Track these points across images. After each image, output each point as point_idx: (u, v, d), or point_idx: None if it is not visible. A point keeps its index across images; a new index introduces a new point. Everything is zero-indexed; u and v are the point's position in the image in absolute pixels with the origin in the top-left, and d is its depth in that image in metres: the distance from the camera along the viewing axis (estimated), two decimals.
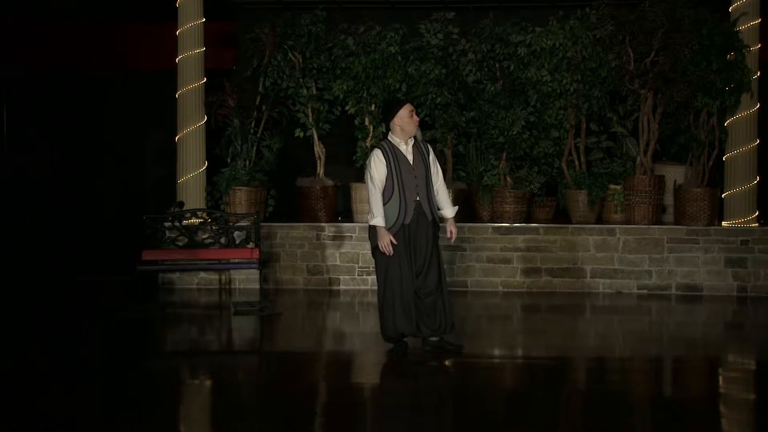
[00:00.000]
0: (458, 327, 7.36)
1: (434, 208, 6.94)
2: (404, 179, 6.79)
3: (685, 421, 5.51)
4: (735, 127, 10.23)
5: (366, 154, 10.61)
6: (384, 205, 6.78)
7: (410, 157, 6.85)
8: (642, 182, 10.21)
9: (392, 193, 6.78)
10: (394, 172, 6.79)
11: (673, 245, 10.02)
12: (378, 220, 6.77)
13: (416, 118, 6.93)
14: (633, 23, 10.07)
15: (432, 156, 7.01)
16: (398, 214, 6.77)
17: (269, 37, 10.64)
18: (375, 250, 6.90)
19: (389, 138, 6.95)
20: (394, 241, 6.74)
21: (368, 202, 6.87)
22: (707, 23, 9.96)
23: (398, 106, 6.98)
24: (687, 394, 6.31)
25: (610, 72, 10.42)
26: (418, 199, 6.81)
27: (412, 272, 6.82)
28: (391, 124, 6.92)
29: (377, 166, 6.81)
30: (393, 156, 6.82)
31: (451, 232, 7.01)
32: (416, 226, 6.82)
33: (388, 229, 6.76)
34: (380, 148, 6.89)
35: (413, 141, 6.95)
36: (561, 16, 10.64)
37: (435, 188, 6.97)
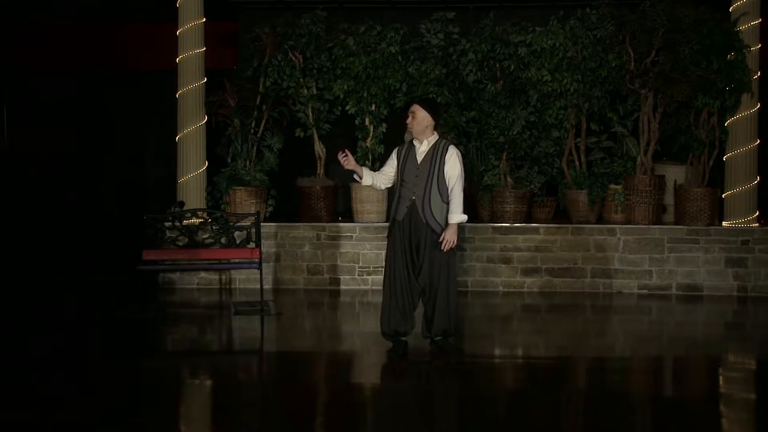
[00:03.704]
0: (458, 327, 7.34)
1: (432, 212, 6.72)
2: (406, 177, 6.82)
3: (685, 421, 5.51)
4: (735, 127, 10.23)
5: (366, 154, 10.66)
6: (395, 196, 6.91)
7: (420, 158, 6.82)
8: (642, 182, 10.20)
9: (397, 187, 6.91)
10: (401, 168, 6.88)
11: (673, 245, 10.02)
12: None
13: (411, 120, 6.81)
14: (633, 23, 10.06)
15: (450, 162, 6.75)
16: (393, 207, 6.90)
17: (270, 37, 10.64)
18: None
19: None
20: (351, 166, 6.84)
21: None
22: (707, 23, 9.95)
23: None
24: (687, 394, 6.31)
25: (611, 72, 10.41)
26: (413, 198, 6.79)
27: (407, 270, 6.82)
28: None
29: (390, 158, 7.03)
30: (406, 153, 6.89)
31: (443, 238, 6.75)
32: (410, 225, 6.80)
33: (390, 220, 6.95)
34: (401, 145, 7.03)
35: (434, 142, 6.83)
36: (561, 16, 10.64)
37: (449, 192, 6.78)
